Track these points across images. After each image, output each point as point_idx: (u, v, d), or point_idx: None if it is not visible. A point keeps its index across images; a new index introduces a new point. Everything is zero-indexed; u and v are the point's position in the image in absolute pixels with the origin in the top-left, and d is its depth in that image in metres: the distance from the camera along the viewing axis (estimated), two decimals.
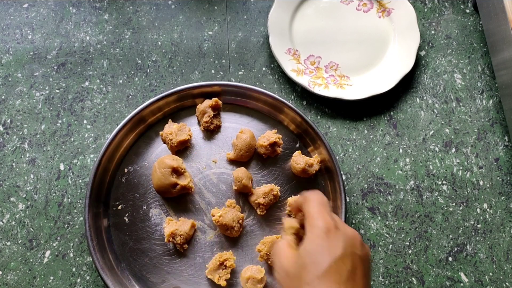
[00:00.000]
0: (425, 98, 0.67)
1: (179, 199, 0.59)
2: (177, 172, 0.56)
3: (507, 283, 0.59)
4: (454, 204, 0.62)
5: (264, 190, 0.57)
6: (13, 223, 0.59)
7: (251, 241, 0.58)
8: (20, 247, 0.58)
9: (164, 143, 0.60)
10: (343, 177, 0.61)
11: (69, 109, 0.64)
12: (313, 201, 0.42)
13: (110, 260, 0.55)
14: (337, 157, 0.63)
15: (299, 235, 0.44)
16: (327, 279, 0.37)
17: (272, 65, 0.67)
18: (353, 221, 0.61)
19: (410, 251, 0.60)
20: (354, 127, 0.65)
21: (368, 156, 0.63)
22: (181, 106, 0.62)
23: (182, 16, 0.70)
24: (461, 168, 0.63)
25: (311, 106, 0.65)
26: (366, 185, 0.62)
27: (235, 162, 0.60)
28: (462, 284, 0.59)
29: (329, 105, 0.66)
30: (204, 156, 0.61)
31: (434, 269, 0.59)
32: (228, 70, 0.67)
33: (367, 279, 0.40)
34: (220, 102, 0.61)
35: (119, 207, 0.58)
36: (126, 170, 0.60)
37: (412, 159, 0.64)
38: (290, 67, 0.65)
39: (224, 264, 0.54)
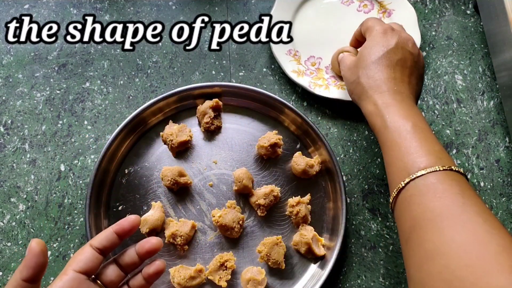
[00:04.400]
0: (426, 99, 0.67)
1: (179, 200, 0.59)
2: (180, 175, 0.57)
3: None
4: None
5: (264, 191, 0.57)
6: (14, 223, 0.59)
7: (252, 242, 0.58)
8: (21, 248, 0.58)
9: (165, 144, 0.60)
10: (344, 178, 0.61)
11: (70, 110, 0.64)
12: (369, 20, 0.53)
13: None
14: (338, 158, 0.63)
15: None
16: (379, 64, 0.48)
17: (272, 66, 0.67)
18: (354, 222, 0.60)
19: None
20: (354, 128, 0.65)
21: (368, 157, 0.63)
22: (182, 107, 0.62)
23: (182, 17, 0.70)
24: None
25: (312, 107, 0.65)
26: (366, 186, 0.62)
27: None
28: None
29: (330, 106, 0.66)
30: (204, 157, 0.61)
31: None
32: (228, 71, 0.67)
33: (416, 74, 0.50)
34: (220, 103, 0.61)
35: (120, 208, 0.58)
36: (126, 171, 0.60)
37: None
38: (290, 68, 0.65)
39: (225, 265, 0.54)
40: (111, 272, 0.42)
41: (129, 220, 0.42)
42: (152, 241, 0.43)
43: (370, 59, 0.48)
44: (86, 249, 0.40)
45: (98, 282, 0.42)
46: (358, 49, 0.55)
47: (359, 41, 0.58)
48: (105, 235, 0.42)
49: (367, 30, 0.52)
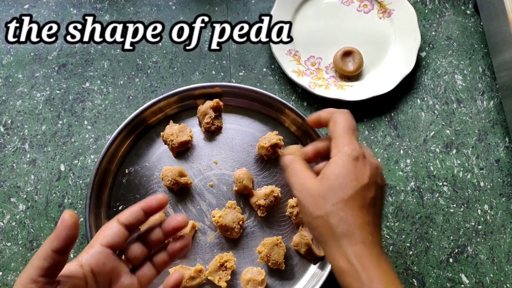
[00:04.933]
0: (425, 99, 0.67)
1: (179, 200, 0.59)
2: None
3: (507, 284, 0.59)
4: (454, 205, 0.62)
5: (264, 191, 0.57)
6: (14, 223, 0.59)
7: (252, 242, 0.58)
8: (21, 248, 0.58)
9: (165, 144, 0.60)
10: None
11: (70, 110, 0.64)
12: (343, 123, 0.44)
13: None
14: None
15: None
16: (353, 204, 0.40)
17: (272, 66, 0.67)
18: None
19: (410, 252, 0.60)
20: None
21: None
22: (183, 107, 0.62)
23: (182, 17, 0.69)
24: (461, 169, 0.63)
25: (312, 107, 0.65)
26: None
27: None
28: (463, 286, 0.59)
29: (330, 106, 0.65)
30: (205, 157, 0.61)
31: (435, 271, 0.59)
32: (228, 71, 0.67)
33: (382, 206, 0.43)
34: (221, 103, 0.61)
35: (120, 208, 0.58)
36: (126, 171, 0.60)
37: (413, 160, 0.64)
38: (290, 68, 0.65)
39: (225, 265, 0.54)
40: (136, 248, 0.41)
41: (157, 198, 0.41)
42: (178, 218, 0.41)
43: (342, 195, 0.40)
44: (113, 224, 0.40)
45: (123, 258, 0.41)
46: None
47: (321, 124, 0.48)
48: (132, 212, 0.41)
49: (335, 141, 0.43)
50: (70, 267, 0.36)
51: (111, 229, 0.40)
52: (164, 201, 0.41)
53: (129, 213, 0.41)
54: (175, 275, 0.43)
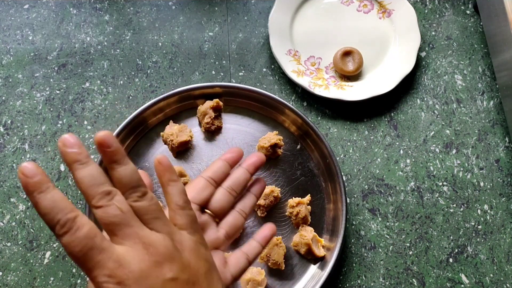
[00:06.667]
0: (425, 99, 0.67)
1: None
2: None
3: (507, 284, 0.59)
4: (454, 205, 0.62)
5: (264, 191, 0.57)
6: (14, 224, 0.59)
7: None
8: (21, 248, 0.58)
9: (165, 144, 0.60)
10: (344, 178, 0.61)
11: (70, 110, 0.64)
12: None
13: None
14: (338, 158, 0.63)
15: None
16: None
17: (272, 66, 0.67)
18: (354, 222, 0.61)
19: (410, 252, 0.60)
20: (354, 128, 0.65)
21: (368, 157, 0.63)
22: (182, 107, 0.62)
23: (182, 17, 0.69)
24: (461, 169, 0.63)
25: (312, 107, 0.65)
26: (366, 186, 0.62)
27: None
28: (462, 286, 0.59)
29: (330, 106, 0.66)
30: (205, 157, 0.61)
31: (435, 270, 0.59)
32: (228, 71, 0.67)
33: None
34: (221, 103, 0.61)
35: None
36: None
37: (413, 160, 0.64)
38: (290, 68, 0.65)
39: None
40: (222, 198, 0.40)
41: (234, 149, 0.41)
42: (256, 156, 0.42)
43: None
44: (197, 180, 0.39)
45: (207, 211, 0.39)
46: None
47: None
48: (218, 166, 0.40)
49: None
50: None
51: (198, 184, 0.39)
52: (241, 151, 0.42)
53: (214, 167, 0.40)
54: (267, 227, 0.42)
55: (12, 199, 0.60)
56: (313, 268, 0.57)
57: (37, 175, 0.27)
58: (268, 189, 0.57)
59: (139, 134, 0.61)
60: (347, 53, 0.65)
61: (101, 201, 0.28)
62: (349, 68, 0.65)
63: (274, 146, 0.59)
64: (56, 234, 0.28)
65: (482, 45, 0.69)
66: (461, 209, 0.62)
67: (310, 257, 0.57)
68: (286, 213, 0.58)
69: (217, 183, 0.40)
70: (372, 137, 0.64)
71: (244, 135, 0.62)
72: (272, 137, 0.59)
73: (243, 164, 0.42)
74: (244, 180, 0.41)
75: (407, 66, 0.65)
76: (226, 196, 0.40)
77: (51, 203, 0.27)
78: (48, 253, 0.58)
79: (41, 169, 0.27)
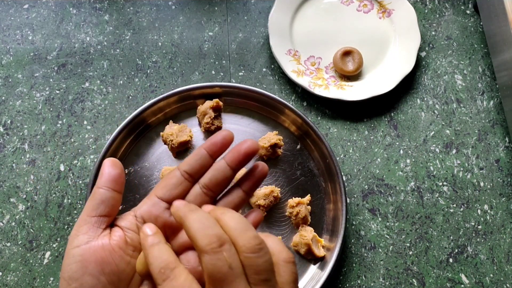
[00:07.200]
0: (425, 99, 0.67)
1: None
2: None
3: (507, 285, 0.59)
4: (454, 205, 0.62)
5: (264, 191, 0.57)
6: (13, 224, 0.59)
7: None
8: (20, 248, 0.58)
9: (165, 144, 0.60)
10: (344, 178, 0.61)
11: (69, 110, 0.64)
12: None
13: None
14: (338, 158, 0.63)
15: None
16: None
17: (272, 66, 0.67)
18: (354, 223, 0.61)
19: (410, 253, 0.60)
20: (354, 128, 0.65)
21: (368, 157, 0.63)
22: (182, 107, 0.62)
23: (182, 17, 0.69)
24: (461, 169, 0.63)
25: (312, 107, 0.65)
26: (366, 186, 0.62)
27: None
28: (462, 286, 0.59)
29: (330, 106, 0.66)
30: None
31: (435, 271, 0.59)
32: (228, 71, 0.67)
33: None
34: (221, 103, 0.61)
35: (119, 208, 0.58)
36: (126, 171, 0.60)
37: (413, 160, 0.64)
38: (290, 68, 0.65)
39: None
40: (194, 199, 0.34)
41: (221, 134, 0.34)
42: (248, 142, 0.34)
43: None
44: (172, 174, 0.34)
45: None
46: None
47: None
48: (195, 156, 0.34)
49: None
50: (127, 217, 0.35)
51: (170, 179, 0.34)
52: (230, 137, 0.34)
53: (192, 159, 0.34)
54: (254, 212, 0.37)
55: (12, 199, 0.60)
56: (313, 268, 0.57)
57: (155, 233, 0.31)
58: (268, 189, 0.57)
59: (139, 134, 0.61)
60: (347, 53, 0.65)
61: (211, 246, 0.27)
62: (349, 68, 0.65)
63: (274, 146, 0.59)
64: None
65: (482, 45, 0.69)
66: (461, 209, 0.62)
67: (310, 257, 0.57)
68: (286, 213, 0.58)
69: (194, 178, 0.35)
70: (372, 137, 0.64)
71: (244, 135, 0.62)
72: (272, 137, 0.59)
73: (227, 156, 0.34)
74: (224, 179, 0.34)
75: (407, 66, 0.65)
76: (200, 197, 0.34)
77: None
78: (47, 253, 0.58)
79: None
